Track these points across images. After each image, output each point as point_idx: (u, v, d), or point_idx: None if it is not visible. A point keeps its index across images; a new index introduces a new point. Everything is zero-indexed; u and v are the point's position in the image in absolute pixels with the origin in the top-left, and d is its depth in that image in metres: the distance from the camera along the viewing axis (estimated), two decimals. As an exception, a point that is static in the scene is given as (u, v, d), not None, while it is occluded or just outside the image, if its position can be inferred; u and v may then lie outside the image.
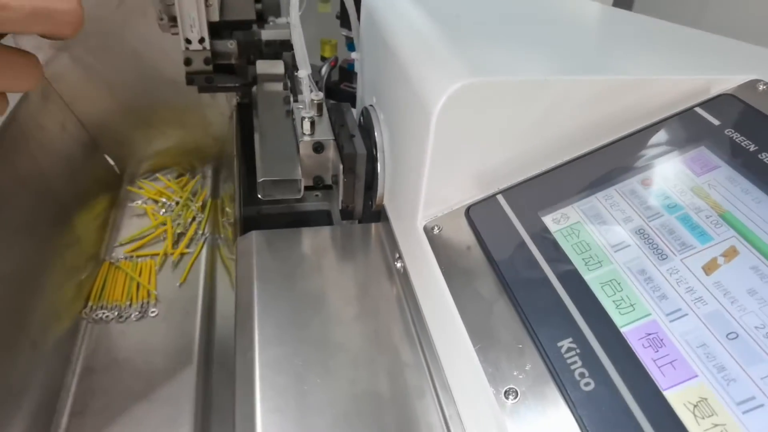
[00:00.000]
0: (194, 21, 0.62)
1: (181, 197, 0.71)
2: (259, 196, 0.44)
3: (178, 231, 0.67)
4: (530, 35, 0.42)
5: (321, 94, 0.52)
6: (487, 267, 0.35)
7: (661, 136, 0.37)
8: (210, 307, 0.60)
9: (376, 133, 0.51)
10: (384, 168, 0.50)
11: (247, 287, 0.45)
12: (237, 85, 0.68)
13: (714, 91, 0.39)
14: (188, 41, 0.63)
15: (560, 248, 0.33)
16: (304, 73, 0.50)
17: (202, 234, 0.67)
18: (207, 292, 0.61)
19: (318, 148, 0.49)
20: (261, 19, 0.71)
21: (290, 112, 0.56)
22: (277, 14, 0.72)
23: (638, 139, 0.38)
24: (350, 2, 0.57)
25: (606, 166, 0.37)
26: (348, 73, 0.81)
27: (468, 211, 0.38)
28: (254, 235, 0.49)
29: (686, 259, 0.30)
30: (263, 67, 0.62)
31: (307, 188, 0.48)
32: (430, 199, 0.39)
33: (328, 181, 0.53)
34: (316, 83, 0.78)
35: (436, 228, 0.39)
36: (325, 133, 0.50)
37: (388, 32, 0.46)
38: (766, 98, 0.37)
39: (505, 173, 0.39)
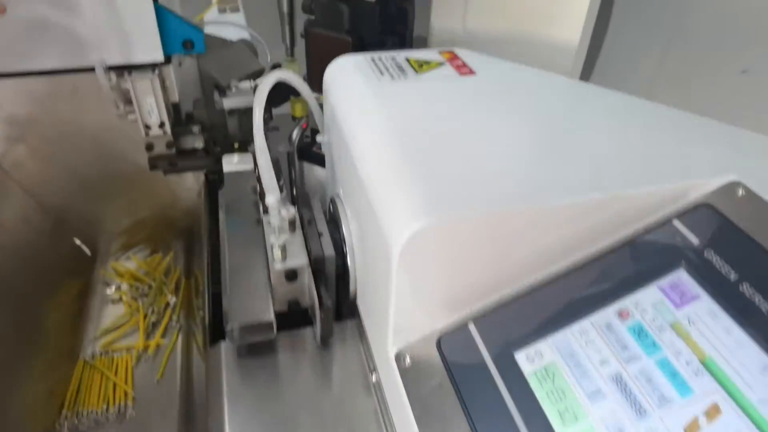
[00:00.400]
0: (152, 106, 0.59)
1: (154, 280, 0.69)
2: (230, 341, 0.42)
3: (153, 320, 0.64)
4: (491, 140, 0.39)
5: (293, 210, 0.49)
6: (459, 412, 0.33)
7: (638, 254, 0.35)
8: (188, 405, 0.58)
9: (343, 228, 0.49)
10: (354, 263, 0.48)
11: (218, 411, 0.43)
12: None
13: (692, 196, 0.37)
14: (147, 127, 0.61)
15: (535, 398, 0.31)
16: (272, 199, 0.47)
17: (177, 321, 0.65)
18: (184, 388, 0.59)
19: (291, 275, 0.47)
20: (219, 88, 0.68)
21: (260, 222, 0.53)
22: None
23: (614, 258, 0.36)
24: (307, 91, 0.54)
25: (581, 290, 0.35)
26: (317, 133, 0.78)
27: (439, 342, 0.36)
28: (223, 349, 0.47)
29: (666, 417, 0.29)
30: (230, 163, 0.60)
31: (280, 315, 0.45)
32: (399, 325, 0.37)
33: (305, 303, 0.50)
34: (288, 152, 0.76)
35: (407, 359, 0.37)
36: (298, 256, 0.47)
37: (350, 138, 0.43)
38: (745, 206, 0.35)
39: (475, 296, 0.37)
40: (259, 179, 0.57)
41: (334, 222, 0.52)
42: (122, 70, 0.57)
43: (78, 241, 0.71)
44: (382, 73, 0.48)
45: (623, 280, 0.34)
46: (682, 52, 1.03)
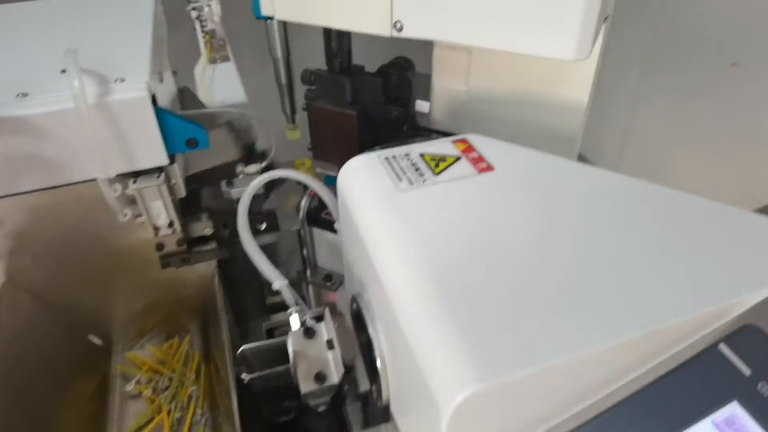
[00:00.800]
0: (160, 209, 0.58)
1: (174, 370, 0.68)
2: None
3: (177, 416, 0.63)
4: (525, 264, 0.38)
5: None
6: None
7: (686, 385, 0.34)
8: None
9: (371, 332, 0.48)
10: (386, 368, 0.47)
11: None
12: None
13: (734, 314, 0.36)
14: (157, 228, 0.59)
15: None
16: (279, 284, 0.47)
17: (202, 414, 0.64)
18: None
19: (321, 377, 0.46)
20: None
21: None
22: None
23: (662, 390, 0.35)
24: (318, 186, 0.53)
25: (631, 428, 0.34)
26: (326, 198, 0.77)
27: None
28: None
29: None
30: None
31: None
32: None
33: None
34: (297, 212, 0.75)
35: None
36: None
37: (376, 260, 0.42)
38: (792, 324, 0.34)
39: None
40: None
41: (358, 320, 0.51)
42: (126, 177, 0.55)
43: (92, 338, 0.69)
44: (399, 178, 0.46)
45: (674, 414, 0.34)
46: (671, 45, 1.02)
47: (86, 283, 0.66)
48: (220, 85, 0.98)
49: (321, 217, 0.78)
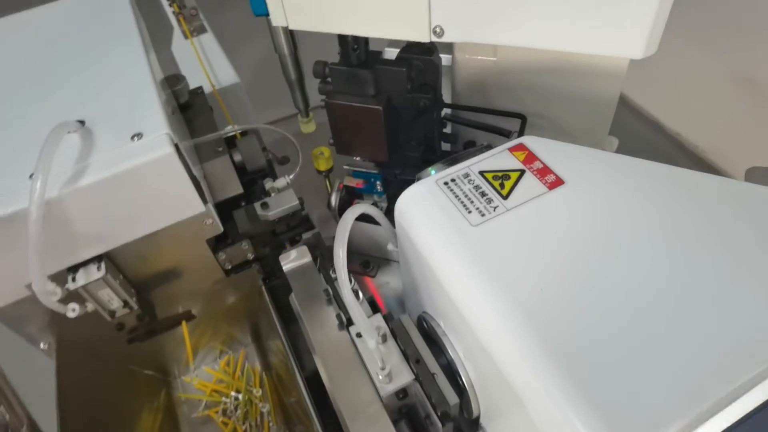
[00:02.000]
0: (110, 296, 0.53)
1: (239, 390, 0.68)
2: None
3: (254, 436, 0.65)
4: (628, 299, 0.37)
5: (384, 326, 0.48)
6: None
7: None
8: None
9: (450, 353, 0.48)
10: (472, 383, 0.48)
11: None
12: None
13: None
14: (112, 312, 0.54)
15: None
16: (372, 343, 0.46)
17: (278, 429, 0.66)
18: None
19: (402, 395, 0.47)
20: (250, 191, 0.63)
21: (342, 325, 0.52)
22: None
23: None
24: (386, 223, 0.50)
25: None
26: (352, 191, 0.73)
27: None
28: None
29: None
30: (288, 260, 0.57)
31: None
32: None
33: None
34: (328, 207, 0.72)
35: None
36: (401, 373, 0.48)
37: (462, 304, 0.41)
38: None
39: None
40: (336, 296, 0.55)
41: (430, 340, 0.51)
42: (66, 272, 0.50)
43: (151, 372, 0.69)
44: (467, 208, 0.44)
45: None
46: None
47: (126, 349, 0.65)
48: (205, 63, 0.90)
49: (352, 209, 0.75)
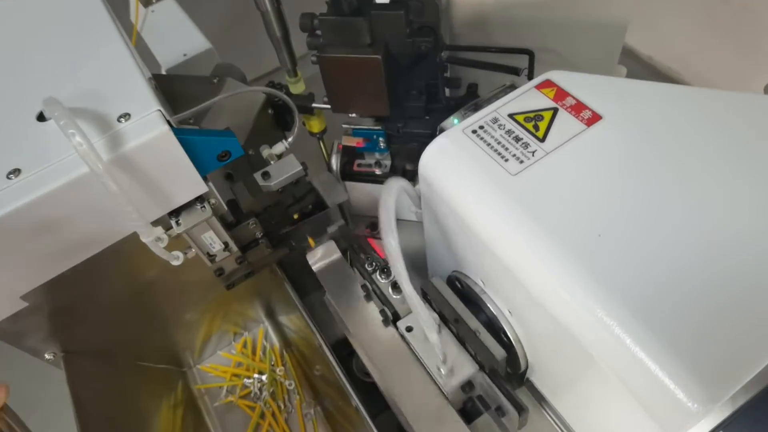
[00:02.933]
0: (211, 238, 0.50)
1: (261, 371, 0.65)
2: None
3: (285, 416, 0.62)
4: (693, 242, 0.35)
5: (435, 316, 0.45)
6: None
7: None
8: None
9: (491, 309, 0.46)
10: (518, 336, 0.46)
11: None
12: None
13: None
14: (212, 256, 0.52)
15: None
16: (434, 337, 0.42)
17: (308, 405, 0.63)
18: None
19: (467, 388, 0.44)
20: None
21: (388, 320, 0.49)
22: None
23: None
24: (415, 198, 0.46)
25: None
26: (352, 150, 0.69)
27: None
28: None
29: None
30: (315, 258, 0.53)
31: None
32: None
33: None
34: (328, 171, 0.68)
35: None
36: (464, 365, 0.44)
37: (502, 253, 0.38)
38: None
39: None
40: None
41: (463, 296, 0.49)
42: (168, 217, 0.47)
43: (167, 366, 0.65)
44: (502, 156, 0.40)
45: None
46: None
47: (151, 330, 0.61)
48: (171, 33, 0.82)
49: (354, 170, 0.71)
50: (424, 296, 0.49)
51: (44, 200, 0.39)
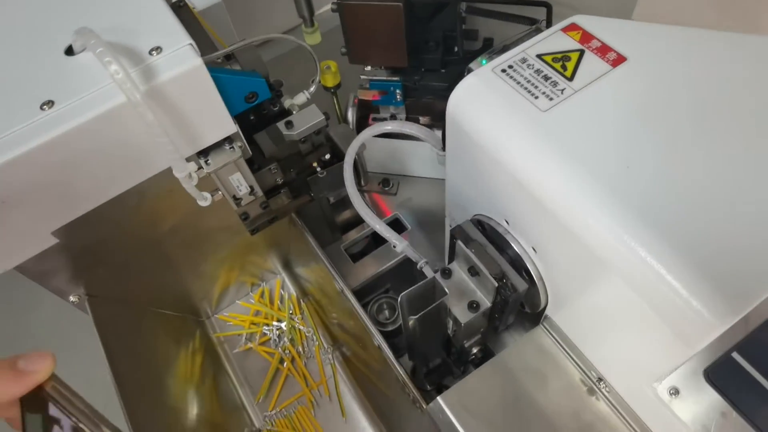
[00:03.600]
0: (239, 180, 0.51)
1: (279, 319, 0.67)
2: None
3: (304, 361, 0.64)
4: (717, 168, 0.36)
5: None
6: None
7: None
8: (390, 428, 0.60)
9: (515, 249, 0.48)
10: (541, 278, 0.48)
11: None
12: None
13: None
14: (238, 199, 0.53)
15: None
16: (402, 246, 0.44)
17: (327, 350, 0.65)
18: (373, 422, 0.61)
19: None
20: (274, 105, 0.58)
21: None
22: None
23: None
24: (427, 135, 0.47)
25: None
26: (367, 104, 0.69)
27: (707, 374, 0.38)
28: (442, 402, 0.48)
29: None
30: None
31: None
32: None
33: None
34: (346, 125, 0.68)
35: (671, 392, 0.39)
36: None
37: (536, 188, 0.39)
38: None
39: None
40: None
41: (489, 238, 0.50)
42: (197, 157, 0.47)
43: (186, 315, 0.66)
44: (533, 93, 0.41)
45: None
46: None
47: (161, 269, 0.61)
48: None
49: (369, 124, 0.71)
50: (452, 239, 0.51)
51: (78, 131, 0.39)
